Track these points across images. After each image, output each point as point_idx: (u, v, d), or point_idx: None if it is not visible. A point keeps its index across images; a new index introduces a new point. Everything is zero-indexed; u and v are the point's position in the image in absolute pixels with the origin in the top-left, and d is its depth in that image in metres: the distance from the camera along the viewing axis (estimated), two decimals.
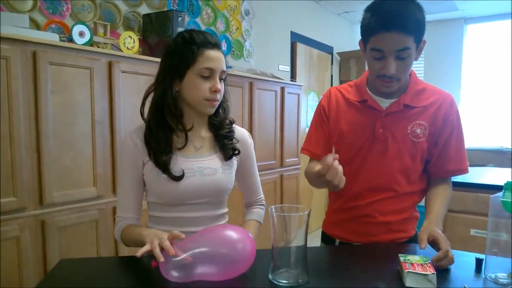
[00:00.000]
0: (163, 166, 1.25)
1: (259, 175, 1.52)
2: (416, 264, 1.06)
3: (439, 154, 1.39)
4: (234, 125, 1.42)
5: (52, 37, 2.04)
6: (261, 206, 1.53)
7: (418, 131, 1.36)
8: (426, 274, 1.00)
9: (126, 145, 1.32)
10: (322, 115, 1.50)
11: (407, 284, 1.01)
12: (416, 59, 1.30)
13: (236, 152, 1.37)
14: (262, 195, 1.55)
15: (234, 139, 1.38)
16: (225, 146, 1.35)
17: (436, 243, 1.16)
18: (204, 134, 1.36)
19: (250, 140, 1.45)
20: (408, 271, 1.01)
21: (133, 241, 1.25)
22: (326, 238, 1.55)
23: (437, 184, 1.44)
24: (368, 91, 1.42)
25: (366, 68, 1.42)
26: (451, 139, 1.39)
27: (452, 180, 1.46)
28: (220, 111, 1.36)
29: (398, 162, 1.37)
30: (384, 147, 1.37)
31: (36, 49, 1.91)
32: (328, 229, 1.55)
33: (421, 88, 1.40)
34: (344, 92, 1.48)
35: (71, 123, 2.06)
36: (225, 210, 1.43)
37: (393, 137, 1.36)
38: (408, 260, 1.09)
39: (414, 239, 1.45)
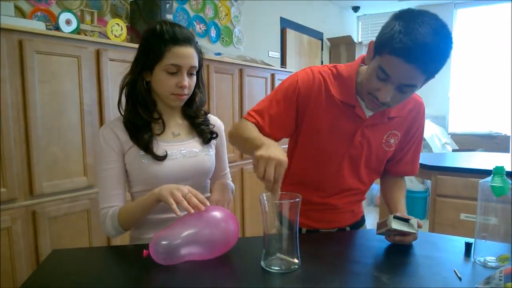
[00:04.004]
0: (145, 145, 1.27)
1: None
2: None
3: (401, 157, 1.44)
4: (208, 115, 1.46)
5: (38, 26, 2.01)
6: (228, 180, 1.53)
7: (392, 141, 1.37)
8: (408, 219, 1.17)
9: (106, 136, 1.30)
10: (293, 96, 1.32)
11: (393, 226, 1.15)
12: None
13: (214, 135, 1.42)
14: (230, 178, 1.57)
15: (210, 125, 1.43)
16: (203, 131, 1.39)
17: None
18: (180, 121, 1.40)
19: (223, 127, 1.51)
20: (393, 215, 1.17)
21: (137, 212, 1.22)
22: None
23: (393, 177, 1.51)
24: (357, 96, 1.29)
25: (357, 57, 1.39)
26: (414, 144, 1.43)
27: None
28: (196, 101, 1.39)
29: (367, 167, 1.40)
30: (358, 154, 1.35)
31: (22, 38, 1.88)
32: None
33: None
34: (329, 84, 1.31)
35: (60, 112, 2.04)
36: (209, 195, 1.45)
37: (369, 145, 1.35)
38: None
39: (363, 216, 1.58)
